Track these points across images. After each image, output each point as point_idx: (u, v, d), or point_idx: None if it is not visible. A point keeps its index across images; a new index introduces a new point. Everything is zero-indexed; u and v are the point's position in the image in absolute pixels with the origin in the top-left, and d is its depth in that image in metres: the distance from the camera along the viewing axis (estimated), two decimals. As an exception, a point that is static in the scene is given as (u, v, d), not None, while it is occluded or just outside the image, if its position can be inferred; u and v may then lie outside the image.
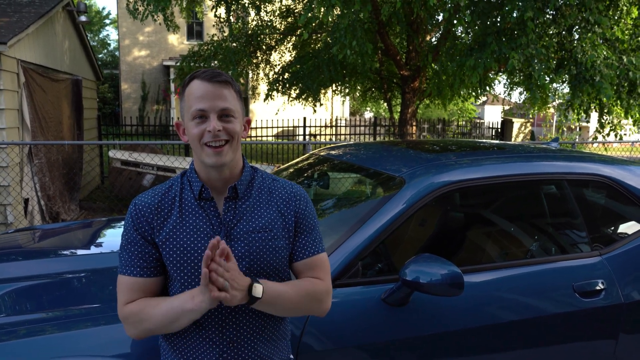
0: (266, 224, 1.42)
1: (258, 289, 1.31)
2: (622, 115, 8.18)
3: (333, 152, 2.96)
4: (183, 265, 1.38)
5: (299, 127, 15.06)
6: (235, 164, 1.43)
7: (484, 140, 3.23)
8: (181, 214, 1.41)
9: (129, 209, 1.45)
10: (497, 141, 3.21)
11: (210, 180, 1.42)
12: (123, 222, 3.16)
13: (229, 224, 1.40)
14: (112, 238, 2.94)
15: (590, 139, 8.63)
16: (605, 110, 8.22)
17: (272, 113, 19.60)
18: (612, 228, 2.67)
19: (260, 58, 11.36)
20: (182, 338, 1.42)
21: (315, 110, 11.43)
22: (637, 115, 7.93)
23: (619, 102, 7.78)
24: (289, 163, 3.20)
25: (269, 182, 1.49)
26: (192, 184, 1.43)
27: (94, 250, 2.77)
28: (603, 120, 8.36)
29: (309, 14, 6.75)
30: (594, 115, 8.59)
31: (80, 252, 2.72)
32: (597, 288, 2.28)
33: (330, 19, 6.71)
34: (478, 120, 20.56)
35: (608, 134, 8.46)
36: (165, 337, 1.46)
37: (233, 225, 1.40)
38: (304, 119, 13.79)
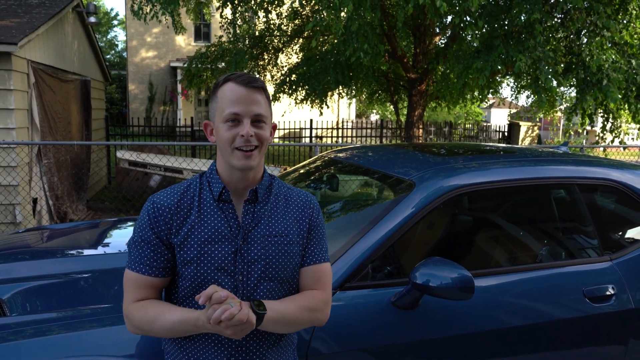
0: (283, 229, 1.44)
1: (260, 306, 1.30)
2: (630, 120, 8.14)
3: (341, 155, 2.96)
4: (199, 265, 1.38)
5: (305, 129, 15.08)
6: (259, 169, 1.45)
7: (493, 144, 3.22)
8: (200, 214, 1.41)
9: (146, 206, 1.44)
10: (506, 145, 3.20)
11: (232, 182, 1.43)
12: (130, 223, 3.20)
13: (247, 227, 1.41)
14: (119, 238, 2.96)
15: (597, 142, 8.59)
16: (610, 116, 8.18)
17: (279, 115, 19.64)
18: (622, 233, 2.66)
19: (266, 60, 11.38)
20: (189, 340, 1.43)
21: (322, 113, 11.45)
22: None
23: (626, 106, 7.74)
24: (298, 165, 3.20)
25: (285, 190, 1.52)
26: (212, 185, 1.44)
27: (101, 250, 2.78)
28: (606, 125, 8.32)
29: (321, 22, 6.74)
30: (600, 120, 8.56)
31: (88, 252, 2.73)
32: (608, 293, 2.27)
33: (337, 23, 6.71)
34: (485, 124, 20.50)
35: (612, 141, 8.43)
36: (173, 340, 1.47)
37: (251, 229, 1.41)
38: (311, 121, 13.80)
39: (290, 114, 18.67)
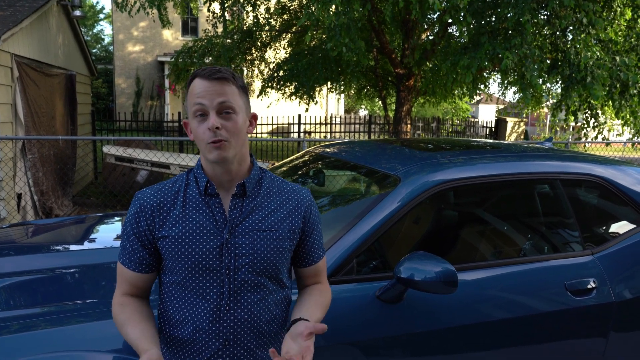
0: (272, 224, 1.42)
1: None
2: (613, 116, 8.23)
3: (328, 150, 2.97)
4: (180, 257, 1.38)
5: (293, 124, 15.07)
6: (241, 160, 1.41)
7: (479, 139, 3.25)
8: (184, 208, 1.40)
9: (132, 201, 1.45)
10: (492, 140, 3.23)
11: (216, 176, 1.41)
12: (117, 218, 3.18)
13: (235, 221, 1.39)
14: (105, 234, 2.94)
15: (579, 139, 8.71)
16: (593, 112, 8.27)
17: (265, 107, 19.58)
18: (604, 227, 2.70)
19: (255, 55, 11.33)
20: (176, 338, 1.43)
21: (308, 108, 11.43)
22: (628, 117, 7.98)
23: (610, 102, 7.83)
24: (285, 160, 3.21)
25: (278, 184, 1.49)
26: (199, 179, 1.42)
27: (87, 245, 2.76)
28: (590, 121, 8.41)
29: (311, 17, 6.74)
30: (584, 117, 8.65)
31: (73, 247, 2.72)
32: (589, 287, 2.31)
33: (328, 16, 6.70)
34: (472, 119, 20.64)
35: (596, 137, 8.52)
36: (161, 336, 1.47)
37: (239, 222, 1.40)
38: (299, 116, 13.79)
39: (277, 108, 18.61)
